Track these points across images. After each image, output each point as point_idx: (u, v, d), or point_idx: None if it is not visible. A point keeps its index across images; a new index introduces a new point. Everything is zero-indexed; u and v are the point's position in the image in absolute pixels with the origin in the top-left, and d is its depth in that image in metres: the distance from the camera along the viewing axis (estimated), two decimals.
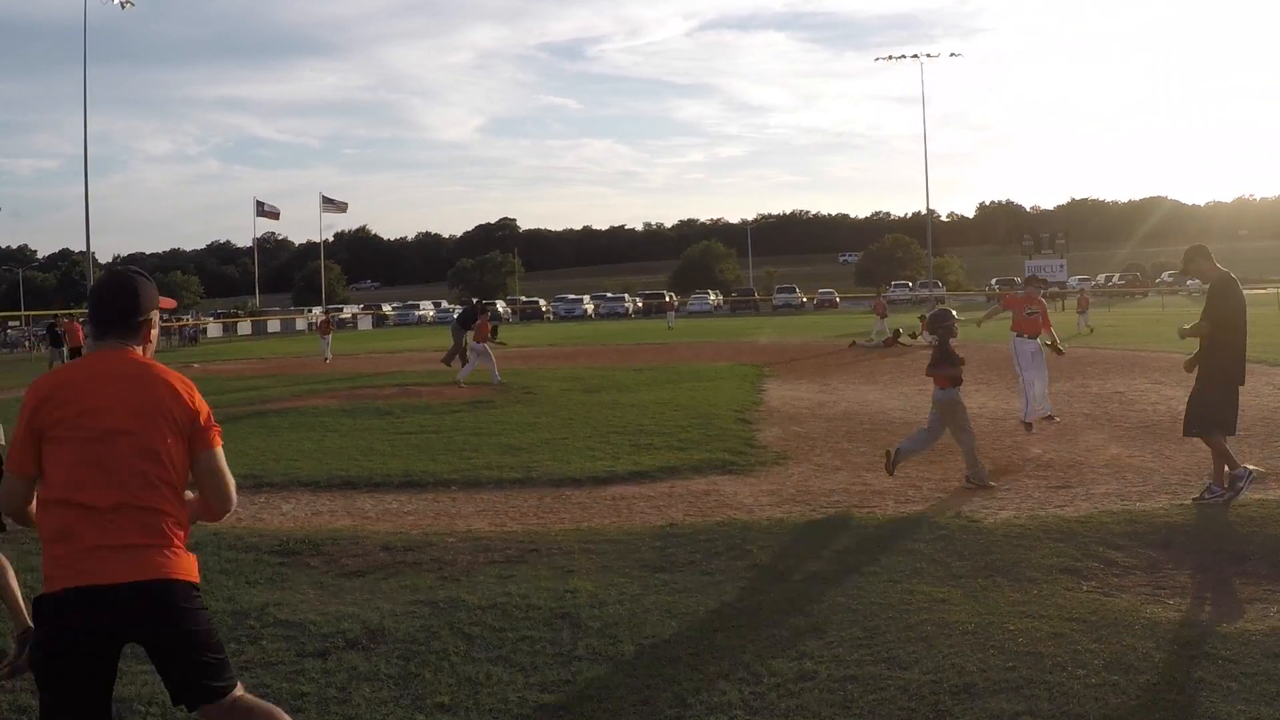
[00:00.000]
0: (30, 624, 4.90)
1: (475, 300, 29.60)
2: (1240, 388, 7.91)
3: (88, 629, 2.75)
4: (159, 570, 2.81)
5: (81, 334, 35.25)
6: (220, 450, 3.04)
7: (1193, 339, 8.05)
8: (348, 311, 76.82)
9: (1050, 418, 11.72)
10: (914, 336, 28.68)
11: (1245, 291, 8.14)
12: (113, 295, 3.04)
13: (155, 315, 3.12)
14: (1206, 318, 7.87)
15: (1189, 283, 70.35)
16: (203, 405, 3.02)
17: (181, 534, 2.94)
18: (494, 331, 23.04)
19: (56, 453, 2.86)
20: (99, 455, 2.84)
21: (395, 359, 29.96)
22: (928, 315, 9.39)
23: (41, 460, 2.89)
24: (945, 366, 8.84)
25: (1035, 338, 12.06)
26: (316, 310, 73.11)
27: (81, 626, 2.74)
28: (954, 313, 9.49)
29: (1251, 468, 8.72)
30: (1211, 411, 7.76)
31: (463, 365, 23.49)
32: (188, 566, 2.91)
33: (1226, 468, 7.69)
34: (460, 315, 25.81)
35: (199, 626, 2.87)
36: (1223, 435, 7.74)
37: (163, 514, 2.88)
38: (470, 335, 24.54)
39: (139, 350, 3.04)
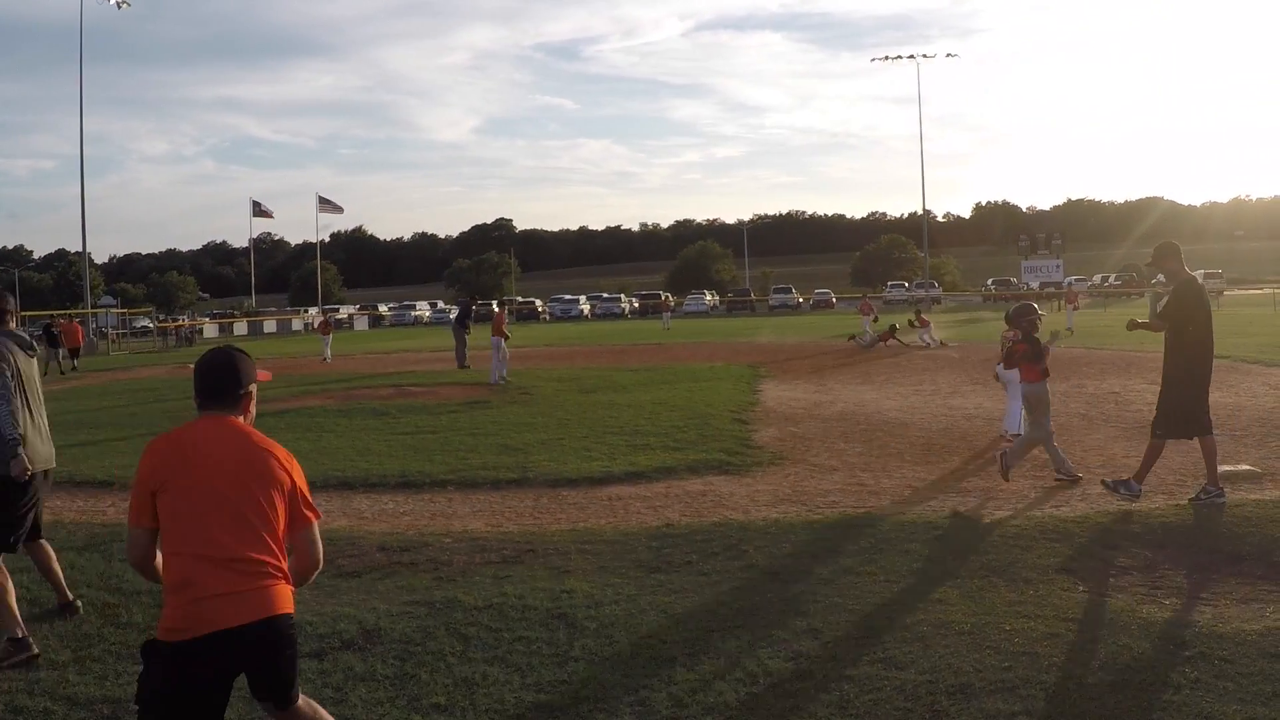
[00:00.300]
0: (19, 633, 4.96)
1: (471, 296, 29.53)
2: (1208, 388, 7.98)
3: (213, 670, 3.07)
4: (269, 608, 3.13)
5: (81, 335, 35.20)
6: (317, 525, 3.36)
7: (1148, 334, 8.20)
8: (344, 312, 76.76)
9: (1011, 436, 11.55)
10: (912, 324, 28.60)
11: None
12: (218, 373, 3.36)
13: (254, 387, 3.44)
14: (1166, 318, 7.92)
15: None
16: (299, 473, 3.33)
17: (284, 572, 3.24)
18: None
19: (172, 507, 3.15)
20: (212, 510, 3.13)
21: (391, 359, 29.94)
22: (1009, 311, 9.40)
23: (157, 513, 3.18)
24: (1037, 360, 8.87)
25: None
26: (313, 311, 73.11)
27: (208, 669, 3.05)
28: (1036, 305, 9.55)
29: (1245, 467, 8.75)
30: (1181, 413, 7.81)
31: (459, 363, 23.52)
32: (289, 598, 3.23)
33: (1133, 475, 7.92)
34: (458, 314, 25.87)
35: (293, 650, 3.25)
36: (1193, 436, 7.85)
37: (269, 561, 3.17)
38: (461, 330, 24.60)
39: (240, 419, 3.35)
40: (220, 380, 3.33)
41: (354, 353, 34.11)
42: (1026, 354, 8.92)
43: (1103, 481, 8.08)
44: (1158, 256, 8.11)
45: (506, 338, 20.48)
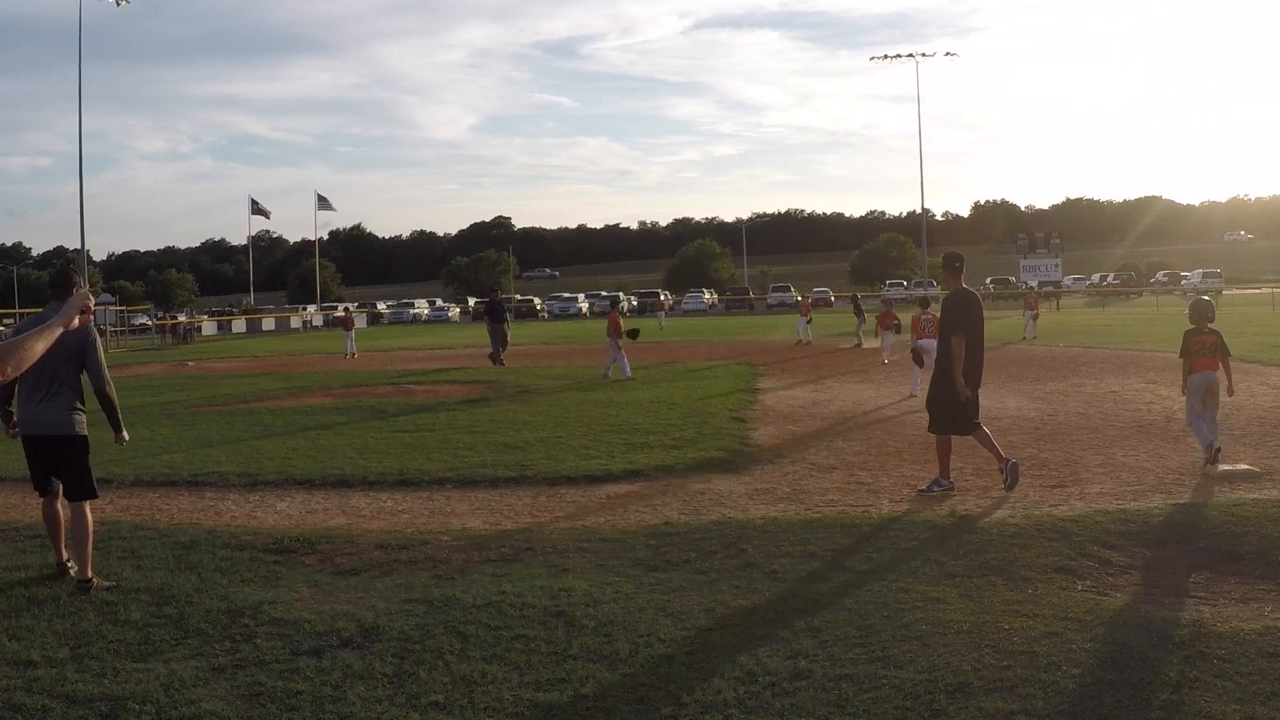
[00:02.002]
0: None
1: (494, 290, 29.09)
2: (978, 390, 8.66)
3: None
4: None
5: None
6: None
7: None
8: (340, 310, 76.74)
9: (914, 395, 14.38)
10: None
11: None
12: None
13: None
14: (950, 329, 8.38)
15: (1182, 282, 70.53)
16: None
17: None
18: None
19: None
20: None
21: (389, 357, 29.94)
22: (1190, 308, 9.55)
23: None
24: (1220, 351, 9.08)
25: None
26: (311, 308, 73.05)
27: None
28: (1208, 298, 9.78)
29: (1244, 466, 8.75)
30: (952, 413, 8.43)
31: (495, 360, 23.41)
32: None
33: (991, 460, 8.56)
34: (488, 309, 25.78)
35: None
36: (965, 434, 8.53)
37: None
38: (496, 326, 24.51)
39: None
40: None
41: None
42: (1207, 346, 9.01)
43: (918, 490, 8.39)
44: (942, 266, 8.84)
45: (624, 335, 20.38)
